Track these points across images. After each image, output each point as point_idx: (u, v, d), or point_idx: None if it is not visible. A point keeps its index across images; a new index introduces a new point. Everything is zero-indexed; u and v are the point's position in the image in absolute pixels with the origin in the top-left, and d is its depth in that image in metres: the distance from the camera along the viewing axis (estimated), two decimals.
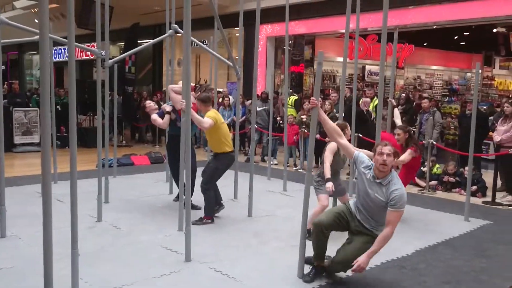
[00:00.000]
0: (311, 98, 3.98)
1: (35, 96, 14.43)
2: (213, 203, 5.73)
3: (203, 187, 5.62)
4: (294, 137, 9.71)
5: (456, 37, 17.81)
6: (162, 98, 12.73)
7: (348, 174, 7.71)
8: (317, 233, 3.90)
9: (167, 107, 6.07)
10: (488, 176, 8.02)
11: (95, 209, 5.66)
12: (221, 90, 12.72)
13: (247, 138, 11.56)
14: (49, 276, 2.86)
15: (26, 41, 5.96)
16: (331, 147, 4.90)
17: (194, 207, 6.02)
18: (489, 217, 6.26)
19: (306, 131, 9.29)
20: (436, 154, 9.11)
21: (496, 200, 7.21)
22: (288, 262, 4.27)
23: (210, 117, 5.45)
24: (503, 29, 15.75)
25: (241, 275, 4.06)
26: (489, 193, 7.48)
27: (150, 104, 6.31)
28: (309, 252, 4.03)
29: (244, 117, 11.23)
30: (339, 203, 5.31)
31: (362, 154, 3.94)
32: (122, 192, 7.08)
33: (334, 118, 7.20)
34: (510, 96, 17.05)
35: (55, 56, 20.51)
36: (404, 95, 10.56)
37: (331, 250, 3.98)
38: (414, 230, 5.60)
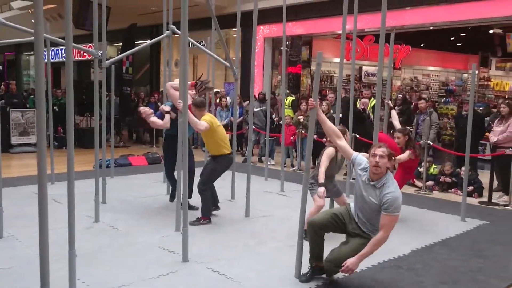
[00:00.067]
0: (309, 99, 3.98)
1: (32, 96, 14.41)
2: (210, 204, 5.74)
3: (200, 187, 5.63)
4: (291, 138, 9.72)
5: (452, 38, 17.87)
6: (159, 99, 12.73)
7: (345, 174, 7.72)
8: (311, 233, 3.92)
9: (165, 108, 6.05)
10: (484, 176, 8.05)
11: (92, 209, 5.66)
12: (218, 90, 12.72)
13: (245, 139, 11.57)
14: (45, 277, 2.86)
15: (23, 41, 5.96)
16: (329, 152, 4.91)
17: (191, 207, 6.02)
18: (486, 217, 6.28)
19: (303, 131, 9.31)
20: (432, 154, 9.14)
21: (493, 200, 7.24)
22: (285, 263, 4.27)
23: (206, 121, 5.46)
24: (500, 30, 15.81)
25: (239, 275, 4.07)
26: (485, 193, 7.50)
27: (144, 109, 6.19)
28: (307, 252, 4.03)
29: (241, 117, 11.24)
30: (336, 204, 5.33)
31: (361, 156, 3.91)
32: (119, 193, 7.08)
33: (331, 119, 7.22)
34: (506, 97, 17.12)
35: (52, 57, 20.42)
36: (401, 95, 10.59)
37: (329, 250, 3.99)
38: (411, 230, 5.62)
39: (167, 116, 5.96)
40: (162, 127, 6.12)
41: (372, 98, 9.62)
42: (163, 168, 7.04)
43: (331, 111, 8.75)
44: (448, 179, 8.00)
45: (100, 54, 5.93)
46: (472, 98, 6.24)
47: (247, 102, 10.86)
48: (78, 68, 22.03)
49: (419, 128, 8.89)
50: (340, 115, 6.54)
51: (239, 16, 6.77)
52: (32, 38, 2.67)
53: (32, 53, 24.84)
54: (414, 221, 6.03)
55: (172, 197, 6.63)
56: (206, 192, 5.65)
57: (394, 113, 6.53)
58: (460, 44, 19.00)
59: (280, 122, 9.98)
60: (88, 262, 4.23)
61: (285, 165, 8.73)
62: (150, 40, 7.17)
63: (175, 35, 6.83)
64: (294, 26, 13.56)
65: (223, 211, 6.10)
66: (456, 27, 12.91)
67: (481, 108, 12.12)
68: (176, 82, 5.96)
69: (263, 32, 14.48)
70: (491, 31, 16.03)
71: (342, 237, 4.03)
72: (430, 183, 8.10)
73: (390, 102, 6.95)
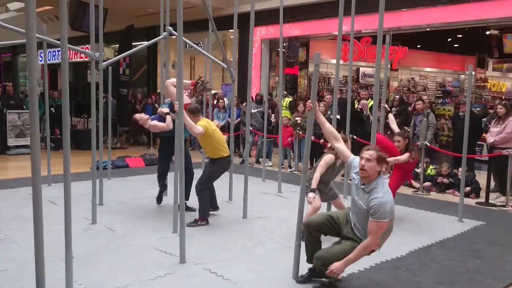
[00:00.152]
0: (308, 101, 3.97)
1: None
2: (208, 205, 5.73)
3: (197, 188, 5.63)
4: (289, 139, 9.73)
5: (449, 39, 17.92)
6: (156, 100, 12.72)
7: (342, 175, 7.72)
8: (306, 234, 3.92)
9: (164, 110, 5.97)
10: (481, 177, 8.07)
11: (89, 211, 5.64)
12: (216, 92, 12.73)
13: (242, 140, 11.57)
14: (41, 279, 2.85)
15: (20, 43, 5.94)
16: (327, 159, 4.90)
17: (189, 209, 6.02)
18: (483, 218, 6.29)
19: (300, 133, 9.32)
20: (429, 155, 9.13)
21: (490, 201, 7.25)
22: (283, 264, 4.26)
23: (202, 126, 5.45)
24: (496, 32, 15.87)
25: (236, 276, 4.06)
26: (482, 194, 7.52)
27: (140, 116, 6.07)
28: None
29: (238, 119, 11.24)
30: (334, 208, 5.33)
31: (357, 159, 3.83)
32: (116, 194, 7.06)
33: (328, 120, 7.21)
34: (503, 97, 17.18)
35: (49, 58, 20.39)
36: (398, 96, 10.59)
37: None
38: (408, 231, 5.62)
39: (168, 118, 5.84)
40: (166, 129, 5.89)
41: (370, 99, 9.63)
42: None
43: (328, 112, 8.76)
44: (445, 180, 8.01)
45: (97, 56, 5.92)
46: (469, 99, 6.25)
47: (245, 104, 10.87)
48: (75, 70, 22.01)
49: (416, 129, 8.89)
50: (338, 116, 6.57)
51: (236, 17, 6.77)
52: None
53: None
54: (411, 222, 6.04)
55: (159, 200, 6.51)
56: (204, 192, 5.64)
57: (391, 116, 6.53)
58: (457, 45, 19.05)
59: (277, 124, 10.00)
60: (85, 264, 4.22)
61: (283, 166, 8.73)
62: (147, 41, 7.16)
63: (172, 37, 6.82)
64: (291, 28, 13.57)
65: (220, 212, 6.10)
66: (453, 28, 12.96)
67: (478, 109, 12.14)
68: (174, 79, 5.93)
69: (260, 34, 14.49)
70: (487, 32, 16.08)
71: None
72: (427, 184, 8.11)
73: (386, 105, 6.94)
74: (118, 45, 14.96)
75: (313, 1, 12.67)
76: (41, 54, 9.50)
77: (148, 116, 6.11)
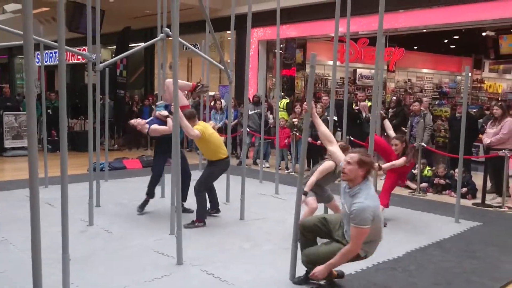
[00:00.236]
0: (304, 104, 3.99)
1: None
2: (206, 206, 5.73)
3: (196, 189, 5.64)
4: (286, 140, 9.74)
5: (446, 41, 17.97)
6: (153, 102, 12.70)
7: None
8: (300, 235, 3.93)
9: (163, 113, 5.89)
10: (478, 178, 8.09)
11: (86, 213, 5.63)
12: (213, 93, 12.73)
13: (239, 142, 11.57)
14: (38, 281, 2.85)
15: (16, 45, 5.93)
16: (327, 165, 4.91)
17: (186, 210, 6.02)
18: (479, 219, 6.31)
19: (297, 134, 9.33)
20: (426, 157, 9.15)
21: (486, 202, 7.27)
22: (280, 265, 4.27)
23: (198, 130, 5.45)
24: (492, 33, 15.92)
25: (233, 278, 4.07)
26: (479, 195, 7.54)
27: (137, 121, 5.93)
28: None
29: (236, 120, 11.25)
30: (330, 211, 5.34)
31: None
32: (113, 196, 7.06)
33: (325, 121, 7.23)
34: (499, 99, 17.24)
35: (46, 60, 20.38)
36: (395, 98, 10.62)
37: None
38: (405, 232, 5.64)
39: (169, 120, 5.66)
40: (168, 132, 5.58)
41: (367, 101, 9.66)
42: None
43: (325, 114, 8.78)
44: (442, 181, 8.03)
45: (94, 57, 5.91)
46: (466, 100, 6.28)
47: (242, 105, 10.87)
48: (72, 71, 21.97)
49: (413, 130, 8.92)
50: (335, 118, 6.57)
51: (233, 19, 6.78)
52: None
53: None
54: (408, 223, 6.06)
55: (141, 208, 6.20)
56: (203, 193, 5.65)
57: (387, 123, 6.54)
58: (454, 46, 19.12)
59: (274, 125, 10.01)
60: (82, 265, 4.21)
61: (280, 167, 8.74)
62: (144, 43, 7.16)
63: (169, 38, 6.82)
64: (288, 29, 13.59)
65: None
66: (450, 29, 12.99)
67: (474, 110, 12.17)
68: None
69: (257, 35, 14.50)
70: (484, 34, 16.14)
71: None
72: (424, 185, 8.14)
73: (382, 112, 6.95)
74: (115, 47, 14.96)
75: (310, 2, 12.69)
76: (38, 56, 9.47)
77: (145, 120, 6.01)
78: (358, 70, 17.97)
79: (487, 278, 4.26)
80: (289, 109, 11.19)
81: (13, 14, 17.58)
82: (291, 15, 12.98)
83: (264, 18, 12.55)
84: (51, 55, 21.61)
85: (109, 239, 5.09)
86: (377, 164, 5.71)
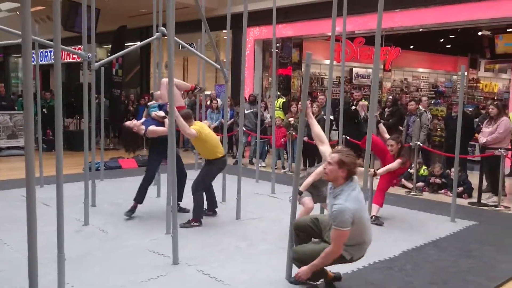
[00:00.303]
0: (299, 104, 4.00)
1: (21, 99, 14.28)
2: (202, 205, 5.72)
3: (193, 188, 5.63)
4: (282, 140, 9.73)
5: (442, 40, 18.01)
6: (149, 101, 12.65)
7: None
8: (294, 234, 3.94)
9: (160, 113, 5.82)
10: (474, 177, 8.11)
11: (82, 212, 5.61)
12: (209, 93, 12.72)
13: (235, 141, 11.56)
14: (34, 281, 2.83)
15: (11, 43, 5.92)
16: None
17: (182, 210, 6.01)
18: (475, 218, 6.32)
19: (293, 133, 9.32)
20: (423, 156, 9.17)
21: (482, 201, 7.29)
22: (276, 264, 4.26)
23: (195, 129, 5.44)
24: (488, 32, 15.98)
25: (229, 277, 4.06)
26: (475, 194, 7.56)
27: (133, 123, 5.85)
28: None
29: (232, 119, 11.23)
30: (326, 211, 5.34)
31: None
32: (109, 196, 7.03)
33: (322, 121, 7.24)
34: (495, 98, 17.29)
35: (41, 59, 20.31)
36: (391, 97, 10.64)
37: None
38: (401, 231, 5.65)
39: (167, 121, 5.45)
40: (166, 133, 5.29)
41: (364, 100, 9.67)
42: None
43: (322, 113, 8.78)
44: (438, 180, 8.05)
45: (89, 56, 5.89)
46: (462, 100, 6.28)
47: (238, 105, 10.87)
48: (67, 70, 21.91)
49: (409, 129, 8.93)
50: (332, 117, 6.57)
51: (229, 18, 6.76)
52: (20, 40, 2.65)
53: (20, 55, 24.65)
54: (404, 222, 6.06)
55: (131, 212, 5.91)
56: (200, 193, 5.64)
57: (382, 127, 6.54)
58: (450, 46, 19.17)
59: (270, 124, 10.00)
60: (78, 265, 4.20)
61: (276, 167, 8.73)
62: (140, 42, 7.14)
63: (165, 37, 6.80)
64: (285, 28, 13.60)
65: None
66: (445, 29, 13.04)
67: (470, 109, 12.22)
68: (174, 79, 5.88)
69: (253, 34, 14.50)
70: (480, 33, 16.19)
71: None
72: (420, 184, 8.15)
73: (377, 115, 6.95)
74: (110, 46, 14.92)
75: (306, 1, 12.70)
76: (33, 55, 9.43)
77: (141, 121, 5.92)
78: (354, 69, 18.00)
79: (483, 277, 4.27)
80: (285, 108, 11.18)
81: (8, 12, 17.50)
82: (287, 14, 12.99)
83: (260, 17, 12.56)
84: (46, 54, 21.52)
85: (105, 239, 5.07)
86: (372, 170, 5.75)
